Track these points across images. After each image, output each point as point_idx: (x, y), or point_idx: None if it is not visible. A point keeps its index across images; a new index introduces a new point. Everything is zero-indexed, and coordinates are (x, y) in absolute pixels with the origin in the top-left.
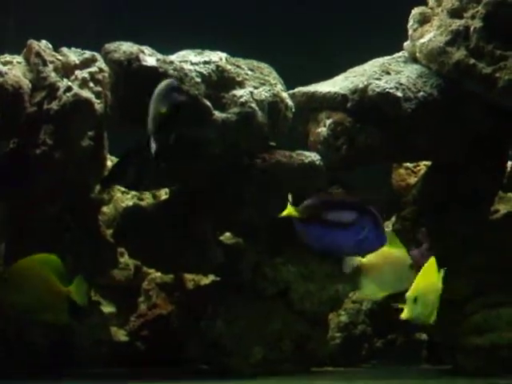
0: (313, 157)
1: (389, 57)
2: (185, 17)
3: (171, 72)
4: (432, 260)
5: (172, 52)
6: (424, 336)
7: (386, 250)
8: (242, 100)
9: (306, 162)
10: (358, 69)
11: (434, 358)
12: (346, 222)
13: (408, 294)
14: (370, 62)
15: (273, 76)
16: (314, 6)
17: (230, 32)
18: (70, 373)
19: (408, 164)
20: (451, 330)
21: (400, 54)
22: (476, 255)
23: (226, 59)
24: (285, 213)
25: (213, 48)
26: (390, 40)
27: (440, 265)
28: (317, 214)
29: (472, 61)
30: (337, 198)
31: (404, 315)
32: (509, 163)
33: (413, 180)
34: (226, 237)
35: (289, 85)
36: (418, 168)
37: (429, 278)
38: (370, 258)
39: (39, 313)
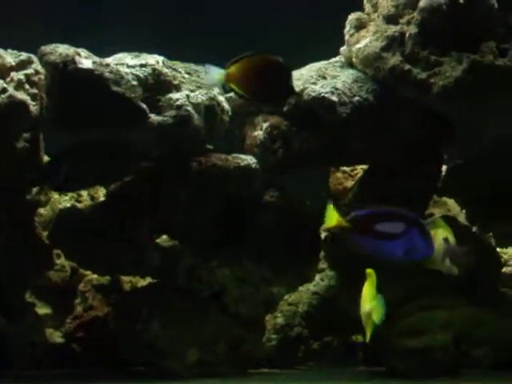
0: (249, 160)
1: (326, 61)
2: (122, 19)
3: (107, 75)
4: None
5: (109, 54)
6: (360, 338)
7: None
8: (178, 103)
9: (241, 166)
10: (295, 73)
11: (369, 360)
12: (395, 233)
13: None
14: (307, 67)
15: None
16: (254, 10)
17: (167, 34)
18: (4, 374)
19: (345, 168)
20: (385, 332)
21: (337, 58)
22: None
23: (163, 62)
24: (334, 223)
25: (152, 50)
26: (327, 45)
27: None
28: (368, 226)
29: (407, 66)
30: (385, 209)
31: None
32: (443, 167)
33: (350, 183)
34: (163, 239)
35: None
36: (355, 172)
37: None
38: None
39: None
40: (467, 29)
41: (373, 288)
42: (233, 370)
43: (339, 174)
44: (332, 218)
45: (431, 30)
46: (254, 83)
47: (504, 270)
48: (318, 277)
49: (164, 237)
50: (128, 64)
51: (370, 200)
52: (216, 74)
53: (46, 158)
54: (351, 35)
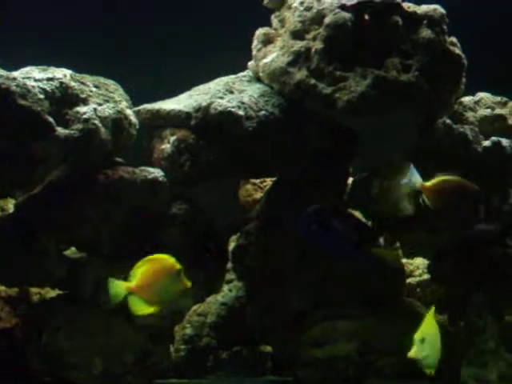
0: (156, 173)
1: (233, 76)
2: (31, 32)
3: (14, 88)
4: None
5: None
6: (269, 348)
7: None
8: (85, 116)
9: (149, 178)
10: (202, 87)
11: (278, 370)
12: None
13: (416, 335)
14: (215, 81)
15: (118, 93)
16: (162, 22)
17: (77, 48)
18: None
19: (255, 180)
20: (291, 342)
21: (245, 73)
22: (313, 269)
23: (71, 76)
24: None
25: (60, 64)
26: (236, 59)
27: (275, 278)
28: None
29: (313, 81)
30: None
31: (412, 354)
32: (349, 180)
33: (259, 195)
34: (71, 251)
35: (136, 101)
36: (265, 183)
37: (432, 322)
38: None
39: None
40: (372, 45)
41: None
42: (139, 380)
43: (249, 186)
44: None
45: (336, 46)
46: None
47: (410, 280)
48: (226, 288)
49: (72, 249)
50: (35, 78)
51: (277, 212)
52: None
53: None
54: (258, 50)
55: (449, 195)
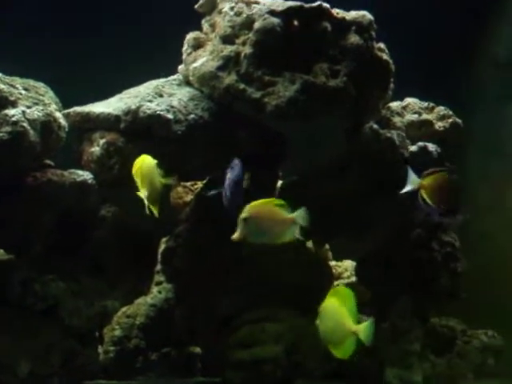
0: (85, 176)
1: (164, 79)
2: None
3: None
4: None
5: None
6: (198, 349)
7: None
8: (13, 119)
9: (77, 181)
10: (132, 90)
11: (207, 371)
12: None
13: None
14: (146, 84)
15: (48, 96)
16: (95, 25)
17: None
18: None
19: (186, 182)
20: (219, 344)
21: (175, 76)
22: (242, 272)
23: (0, 79)
24: None
25: None
26: (168, 62)
27: (204, 280)
28: None
29: (242, 85)
30: None
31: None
32: (279, 183)
33: (189, 197)
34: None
35: (67, 104)
36: (196, 186)
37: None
38: None
39: None
40: (301, 50)
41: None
42: (67, 381)
43: (180, 189)
44: None
45: (266, 51)
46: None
47: (338, 282)
48: (155, 289)
49: (1, 251)
50: None
51: (206, 214)
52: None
53: None
54: (189, 54)
55: (444, 190)
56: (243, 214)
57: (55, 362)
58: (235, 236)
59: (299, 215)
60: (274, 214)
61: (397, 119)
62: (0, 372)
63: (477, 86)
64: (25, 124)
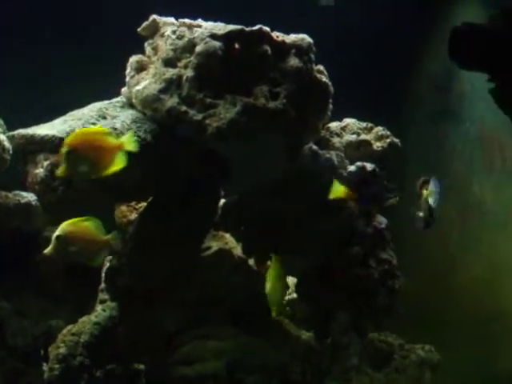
0: (29, 197)
1: (107, 101)
2: None
3: None
4: None
5: None
6: (142, 366)
7: None
8: None
9: (22, 203)
10: (76, 112)
11: None
12: None
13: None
14: (89, 106)
15: None
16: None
17: None
18: None
19: None
20: (162, 360)
21: (118, 98)
22: (187, 290)
23: None
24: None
25: None
26: (110, 84)
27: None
28: None
29: (184, 108)
30: None
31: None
32: (221, 202)
33: (133, 216)
34: None
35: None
36: (140, 205)
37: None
38: None
39: None
40: (242, 73)
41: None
42: None
43: (124, 208)
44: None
45: (207, 74)
46: None
47: None
48: (99, 307)
49: None
50: None
51: (150, 233)
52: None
53: None
54: (132, 77)
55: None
56: (56, 232)
57: None
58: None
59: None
60: (87, 234)
61: (336, 140)
62: None
63: (415, 105)
64: None
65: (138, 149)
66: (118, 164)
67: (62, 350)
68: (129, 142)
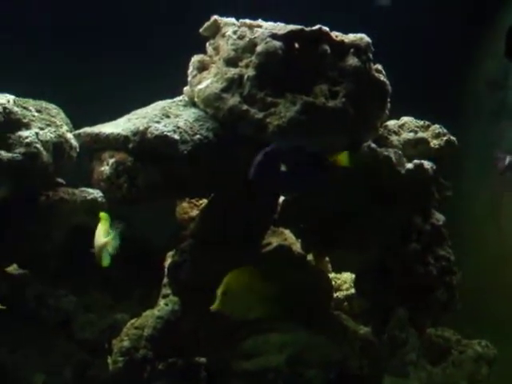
0: (95, 194)
1: (170, 100)
2: None
3: None
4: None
5: None
6: (203, 359)
7: None
8: (27, 141)
9: (88, 199)
10: (140, 111)
11: (212, 380)
12: None
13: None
14: (152, 105)
15: (60, 117)
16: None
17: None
18: None
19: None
20: (223, 354)
21: (180, 97)
22: None
23: (14, 101)
24: None
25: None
26: (173, 83)
27: (209, 293)
28: None
29: (245, 107)
30: None
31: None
32: (280, 199)
33: (195, 213)
34: (13, 268)
35: (77, 124)
36: (201, 202)
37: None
38: None
39: None
40: (302, 72)
41: (106, 226)
42: None
43: (185, 204)
44: None
45: (268, 73)
46: None
47: (337, 294)
48: (162, 302)
49: (14, 265)
50: None
51: (211, 229)
52: None
53: None
54: (194, 76)
55: None
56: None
57: (68, 373)
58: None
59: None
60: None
61: (394, 137)
62: None
63: (471, 104)
64: (38, 145)
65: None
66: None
67: (126, 343)
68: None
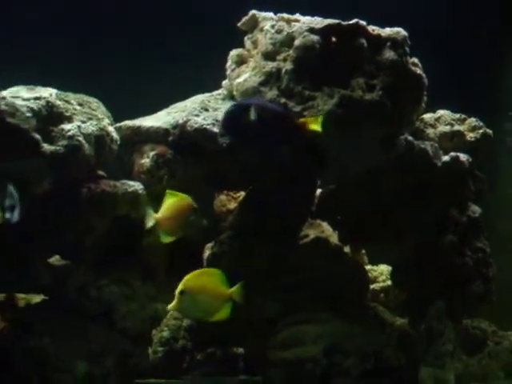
0: (136, 186)
1: (209, 94)
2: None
3: (3, 107)
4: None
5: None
6: (241, 349)
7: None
8: (69, 134)
9: (129, 191)
10: (180, 105)
11: (249, 369)
12: None
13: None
14: (192, 99)
15: (100, 110)
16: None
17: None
18: None
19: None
20: (261, 344)
21: (219, 91)
22: (285, 276)
23: (57, 95)
24: None
25: (46, 83)
26: (211, 77)
27: (250, 286)
28: None
29: (283, 100)
30: None
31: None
32: (317, 191)
33: (233, 205)
34: (55, 259)
35: (117, 117)
36: (238, 194)
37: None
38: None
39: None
40: (339, 66)
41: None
42: (120, 381)
43: (223, 197)
44: None
45: (305, 67)
46: None
47: (374, 286)
48: None
49: (56, 257)
50: (23, 97)
51: (249, 222)
52: None
53: None
54: (232, 70)
55: None
56: (179, 287)
57: (110, 362)
58: (170, 307)
59: (236, 291)
60: (210, 288)
61: (430, 130)
62: (58, 373)
63: (507, 97)
64: (80, 138)
65: (243, 300)
66: (224, 313)
67: (166, 334)
68: (237, 294)
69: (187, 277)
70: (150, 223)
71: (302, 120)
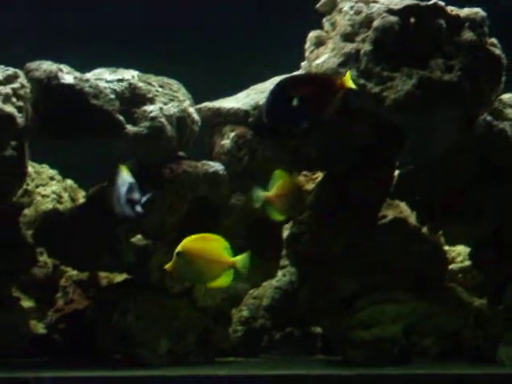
0: (217, 167)
1: (288, 75)
2: (100, 37)
3: (87, 89)
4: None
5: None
6: (319, 329)
7: None
8: (152, 115)
9: (210, 172)
10: (259, 86)
11: (327, 349)
12: None
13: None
14: (271, 80)
15: (181, 92)
16: (222, 25)
17: (142, 49)
18: None
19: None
20: (340, 324)
21: (298, 72)
22: (364, 256)
23: (138, 77)
24: None
25: (127, 65)
26: (290, 59)
27: (325, 265)
28: None
29: (362, 81)
30: None
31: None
32: (396, 172)
33: (310, 186)
34: (137, 238)
35: (197, 99)
36: (316, 175)
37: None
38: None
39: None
40: (417, 46)
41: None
42: (201, 358)
43: (301, 178)
44: None
45: (384, 48)
46: None
47: (452, 266)
48: (280, 273)
49: (139, 236)
50: (106, 79)
51: (327, 202)
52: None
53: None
54: (311, 51)
55: None
56: (178, 248)
57: (191, 340)
58: (166, 266)
59: (241, 260)
60: (209, 253)
61: (509, 111)
62: (141, 349)
63: None
64: (162, 119)
65: (247, 271)
66: (224, 281)
67: (245, 313)
68: (242, 263)
69: (187, 239)
70: (258, 203)
71: (339, 81)
